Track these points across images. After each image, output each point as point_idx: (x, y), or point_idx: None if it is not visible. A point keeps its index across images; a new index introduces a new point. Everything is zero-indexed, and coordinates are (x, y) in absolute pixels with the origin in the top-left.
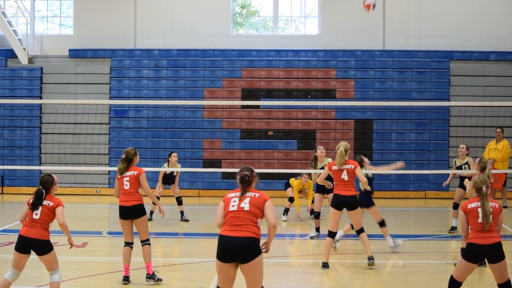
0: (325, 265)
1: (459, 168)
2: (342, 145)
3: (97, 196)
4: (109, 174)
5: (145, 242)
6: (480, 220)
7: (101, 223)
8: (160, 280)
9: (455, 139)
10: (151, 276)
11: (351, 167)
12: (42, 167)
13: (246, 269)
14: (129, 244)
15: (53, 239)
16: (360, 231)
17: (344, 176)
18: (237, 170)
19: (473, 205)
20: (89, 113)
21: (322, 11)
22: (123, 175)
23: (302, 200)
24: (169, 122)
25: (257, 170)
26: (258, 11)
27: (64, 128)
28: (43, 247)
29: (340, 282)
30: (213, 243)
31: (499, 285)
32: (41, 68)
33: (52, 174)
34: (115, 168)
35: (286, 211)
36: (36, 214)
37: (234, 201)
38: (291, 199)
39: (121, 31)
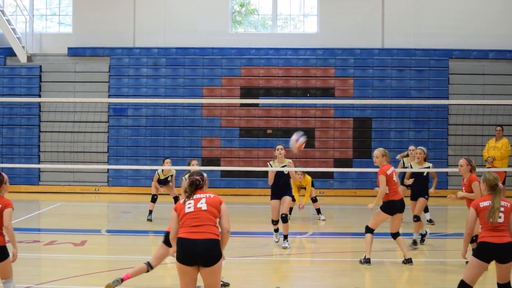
0: (367, 261)
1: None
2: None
3: (96, 194)
4: (108, 172)
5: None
6: (491, 219)
7: (100, 221)
8: None
9: (454, 138)
10: None
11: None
12: (41, 165)
13: (207, 273)
14: None
15: (50, 237)
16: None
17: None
18: (236, 168)
19: (485, 203)
20: (88, 111)
21: (321, 9)
22: None
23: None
24: (168, 121)
25: (255, 169)
26: (257, 9)
27: (63, 126)
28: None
29: (336, 281)
30: None
31: (499, 285)
32: (40, 66)
33: (2, 172)
34: (115, 167)
35: (290, 209)
36: None
37: (189, 204)
38: (293, 198)
39: (120, 29)
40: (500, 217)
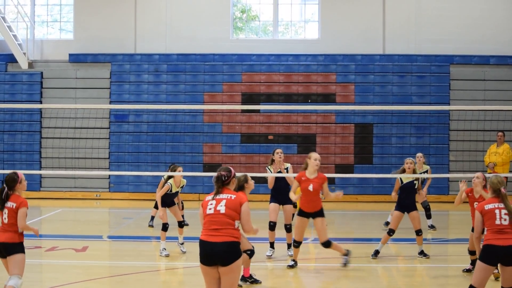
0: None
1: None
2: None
3: (97, 200)
4: (109, 178)
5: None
6: (497, 222)
7: (101, 227)
8: None
9: (455, 143)
10: None
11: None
12: (42, 172)
13: (225, 272)
14: None
15: (52, 243)
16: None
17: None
18: (238, 174)
19: (490, 206)
20: (89, 117)
21: (322, 15)
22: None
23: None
24: (169, 127)
25: (256, 175)
26: (258, 15)
27: (64, 133)
28: (11, 249)
29: (344, 286)
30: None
31: None
32: (41, 72)
33: (18, 172)
34: (116, 173)
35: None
36: (5, 218)
37: (211, 204)
38: (294, 205)
39: (121, 36)
40: (505, 220)
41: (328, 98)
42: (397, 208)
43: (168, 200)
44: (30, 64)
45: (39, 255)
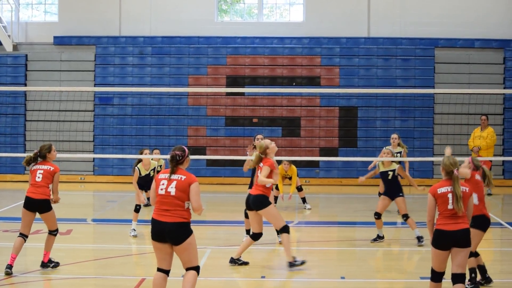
0: (234, 261)
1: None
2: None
3: (82, 183)
4: (93, 161)
5: (52, 232)
6: (450, 206)
7: (85, 210)
8: (57, 264)
9: (440, 127)
10: (45, 264)
11: None
12: (26, 154)
13: (179, 250)
14: (23, 236)
15: (36, 226)
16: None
17: None
18: (222, 157)
19: (443, 189)
20: (74, 100)
21: None
22: (37, 168)
23: (286, 187)
24: (154, 109)
25: (242, 157)
26: None
27: (48, 115)
28: (46, 206)
29: (321, 270)
30: (197, 229)
31: (453, 275)
32: (26, 55)
33: (52, 144)
34: (100, 156)
35: (275, 199)
36: (38, 177)
37: (163, 184)
38: (277, 187)
39: (106, 18)
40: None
41: (312, 81)
42: (383, 194)
43: (144, 184)
44: (15, 47)
45: None
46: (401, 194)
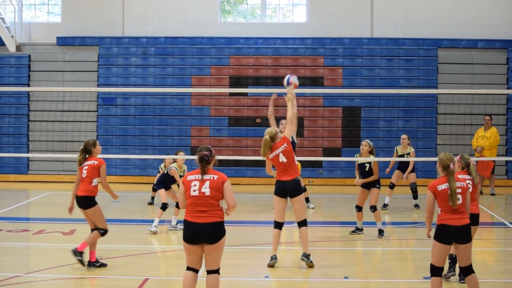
0: (274, 258)
1: (401, 156)
2: (267, 133)
3: None
4: None
5: (98, 229)
6: (451, 202)
7: None
8: (104, 265)
9: (443, 127)
10: (92, 264)
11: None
12: (29, 155)
13: (210, 249)
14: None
15: (39, 226)
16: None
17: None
18: (225, 157)
19: (443, 186)
20: (77, 100)
21: None
22: (82, 165)
23: None
24: (157, 110)
25: (245, 158)
26: None
27: (52, 116)
28: (91, 202)
29: (325, 270)
30: None
31: (461, 268)
32: (29, 55)
33: (95, 139)
34: (104, 156)
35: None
36: (84, 173)
37: (195, 185)
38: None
39: (109, 19)
40: (458, 199)
41: (316, 82)
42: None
43: (167, 183)
44: (18, 47)
45: (27, 239)
46: (377, 185)
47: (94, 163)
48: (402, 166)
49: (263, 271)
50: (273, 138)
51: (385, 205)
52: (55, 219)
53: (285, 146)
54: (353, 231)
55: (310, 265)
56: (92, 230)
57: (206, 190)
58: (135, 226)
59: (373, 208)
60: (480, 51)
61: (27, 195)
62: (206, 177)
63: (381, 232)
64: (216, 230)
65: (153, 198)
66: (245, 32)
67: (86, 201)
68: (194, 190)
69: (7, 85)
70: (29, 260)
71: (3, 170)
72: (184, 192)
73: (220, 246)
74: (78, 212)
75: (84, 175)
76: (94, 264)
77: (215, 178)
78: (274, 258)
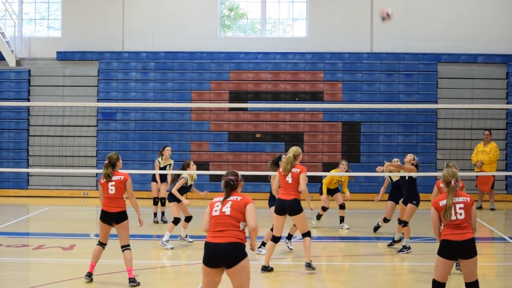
0: (265, 269)
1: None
2: (291, 151)
3: (85, 198)
4: (96, 176)
5: (125, 248)
6: (453, 217)
7: (88, 226)
8: (138, 283)
9: (443, 141)
10: (133, 280)
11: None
12: (29, 170)
13: (231, 273)
14: (102, 245)
15: (39, 241)
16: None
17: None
18: (224, 172)
19: (444, 202)
20: (77, 115)
21: (310, 13)
22: (107, 180)
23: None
24: (157, 125)
25: (244, 173)
26: (246, 13)
27: (51, 131)
28: (122, 216)
29: (331, 284)
30: (200, 246)
31: (467, 284)
32: (29, 70)
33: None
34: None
35: (319, 217)
36: (111, 189)
37: (217, 206)
38: (324, 208)
39: (109, 34)
40: (460, 214)
41: (315, 96)
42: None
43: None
44: (18, 62)
45: (27, 254)
46: (414, 202)
47: (120, 178)
48: (395, 195)
49: (265, 286)
50: (296, 157)
51: (376, 228)
52: (55, 234)
53: (297, 171)
54: (391, 244)
55: (312, 271)
56: (122, 248)
57: (227, 209)
58: (136, 241)
59: (404, 224)
60: (480, 65)
61: (27, 210)
62: (230, 198)
63: (376, 228)
64: (232, 252)
65: (155, 214)
66: (245, 47)
67: (121, 217)
68: (216, 210)
69: (7, 100)
70: (28, 275)
71: (3, 185)
72: (209, 213)
73: (240, 270)
74: (78, 228)
75: (112, 191)
76: (135, 280)
77: (238, 200)
78: (264, 269)
